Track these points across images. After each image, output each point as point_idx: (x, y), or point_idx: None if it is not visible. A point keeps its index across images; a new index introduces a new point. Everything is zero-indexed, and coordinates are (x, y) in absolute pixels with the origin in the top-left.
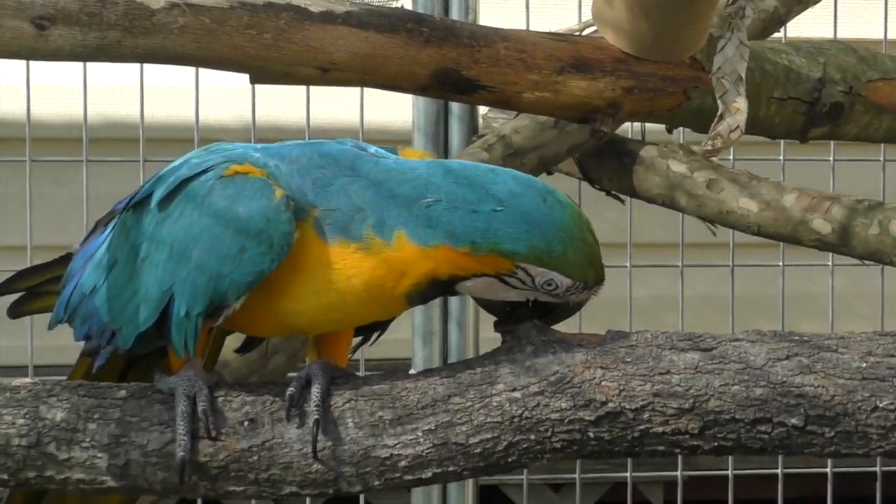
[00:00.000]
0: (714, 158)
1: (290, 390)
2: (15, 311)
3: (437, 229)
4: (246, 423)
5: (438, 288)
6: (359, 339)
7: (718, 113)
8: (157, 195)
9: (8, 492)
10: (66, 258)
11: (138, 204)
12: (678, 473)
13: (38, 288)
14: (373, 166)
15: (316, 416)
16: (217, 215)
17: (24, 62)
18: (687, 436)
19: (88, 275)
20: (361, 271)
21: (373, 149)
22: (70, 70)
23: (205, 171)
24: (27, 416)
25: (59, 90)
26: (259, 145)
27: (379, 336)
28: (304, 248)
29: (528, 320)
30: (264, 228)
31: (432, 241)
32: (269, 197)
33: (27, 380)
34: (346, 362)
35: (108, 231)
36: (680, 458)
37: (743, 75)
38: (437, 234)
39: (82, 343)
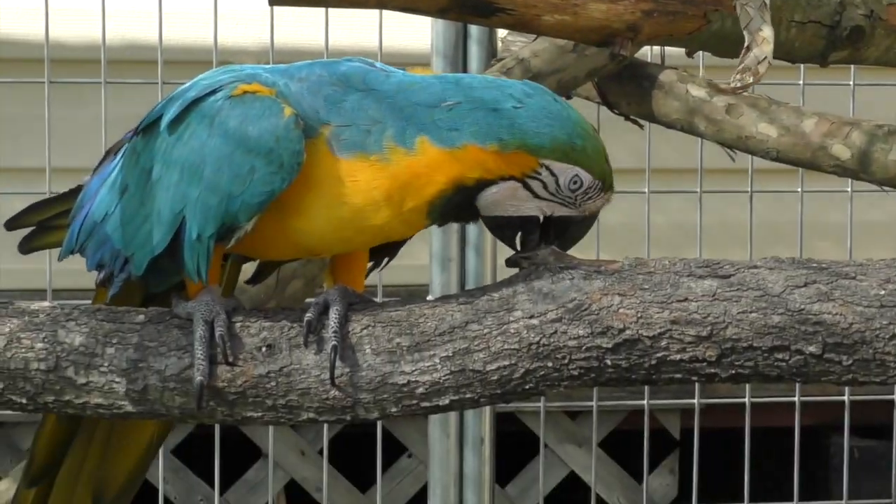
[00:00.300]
0: (745, 93)
1: (308, 316)
2: (26, 247)
3: (462, 130)
4: (263, 349)
5: (461, 199)
6: (370, 263)
7: (745, 44)
8: (167, 117)
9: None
10: (77, 191)
11: (148, 127)
12: (695, 401)
13: (49, 222)
14: (385, 79)
15: (333, 343)
16: (226, 135)
17: None
18: (704, 363)
19: (100, 201)
20: (382, 182)
21: (380, 65)
22: None
23: (214, 92)
24: (46, 340)
25: (78, 11)
26: (269, 66)
27: (388, 261)
28: (317, 166)
29: (541, 247)
30: (274, 147)
31: (458, 141)
32: (278, 115)
33: (45, 304)
34: (362, 287)
35: (118, 157)
36: (697, 385)
37: (767, 1)
38: (463, 135)
39: (95, 273)
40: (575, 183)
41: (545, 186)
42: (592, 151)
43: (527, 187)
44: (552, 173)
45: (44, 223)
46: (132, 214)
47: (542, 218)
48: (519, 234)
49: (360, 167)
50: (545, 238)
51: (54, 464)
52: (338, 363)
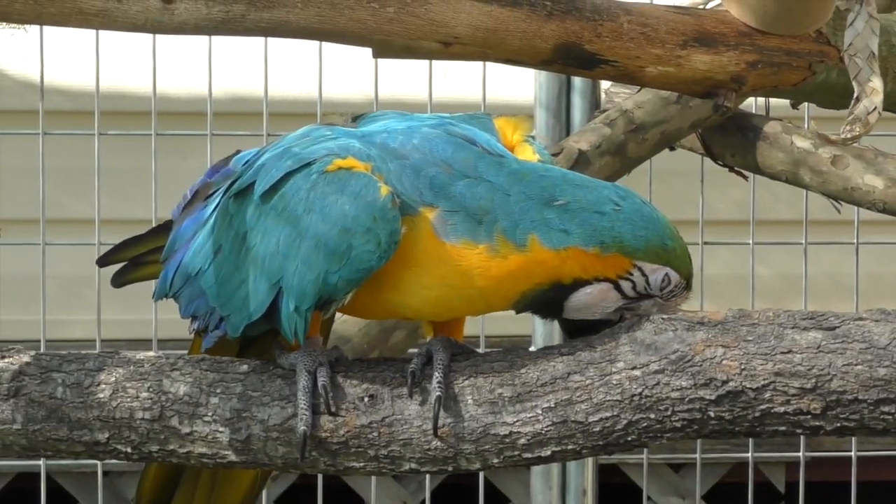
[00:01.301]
0: (855, 144)
1: (412, 367)
2: (118, 281)
3: (570, 233)
4: (366, 399)
5: (553, 296)
6: None
7: (854, 95)
8: (260, 187)
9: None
10: (166, 226)
11: (241, 192)
12: (800, 454)
13: (141, 258)
14: (496, 168)
15: (438, 393)
16: (322, 212)
17: (149, 36)
18: (809, 416)
19: (193, 256)
20: (487, 271)
21: (481, 140)
22: (196, 44)
23: (308, 164)
24: (151, 389)
25: (184, 66)
26: (358, 131)
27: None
28: (416, 245)
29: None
30: (371, 227)
31: (565, 244)
32: (375, 194)
33: (151, 353)
34: (462, 337)
35: (209, 211)
36: (802, 438)
37: (875, 51)
38: (570, 238)
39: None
40: (664, 282)
41: (634, 286)
42: (681, 251)
43: (618, 288)
44: (643, 274)
45: (136, 259)
46: (227, 276)
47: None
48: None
49: (466, 254)
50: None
51: None
52: (441, 413)
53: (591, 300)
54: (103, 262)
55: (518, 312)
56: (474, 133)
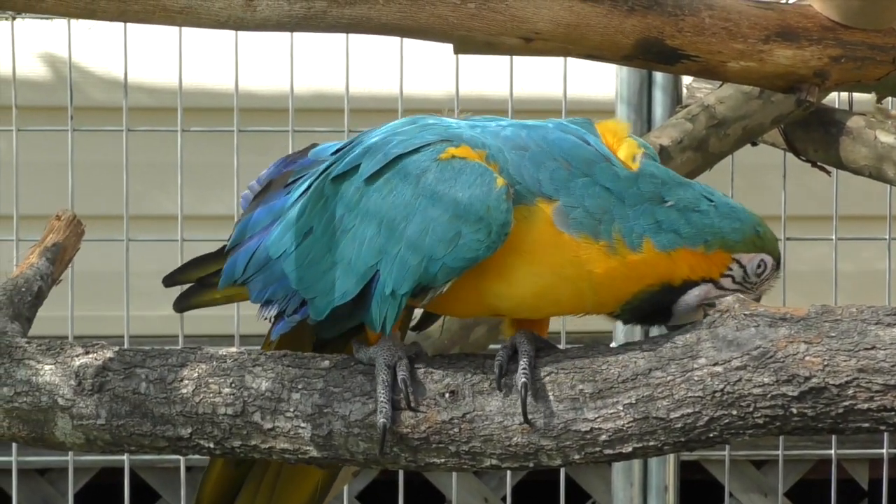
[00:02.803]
0: None
1: (499, 359)
2: (182, 304)
3: (679, 233)
4: (447, 395)
5: (661, 299)
6: None
7: None
8: (368, 169)
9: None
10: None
11: (343, 175)
12: (884, 451)
13: (210, 279)
14: (608, 169)
15: (524, 380)
16: (434, 198)
17: (232, 33)
18: (893, 413)
19: (277, 238)
20: (603, 267)
21: (592, 140)
22: (277, 41)
23: (419, 150)
24: (233, 385)
25: (266, 62)
26: (467, 122)
27: None
28: (532, 234)
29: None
30: (484, 216)
31: (675, 245)
32: (490, 185)
33: (233, 349)
34: (546, 333)
35: (294, 195)
36: (885, 435)
37: None
38: (679, 239)
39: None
40: (759, 268)
41: (733, 279)
42: (770, 234)
43: (718, 286)
44: (741, 265)
45: (204, 280)
46: (316, 259)
47: None
48: None
49: (585, 247)
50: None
51: None
52: (528, 400)
53: (697, 301)
54: (169, 282)
55: (624, 321)
56: (585, 134)
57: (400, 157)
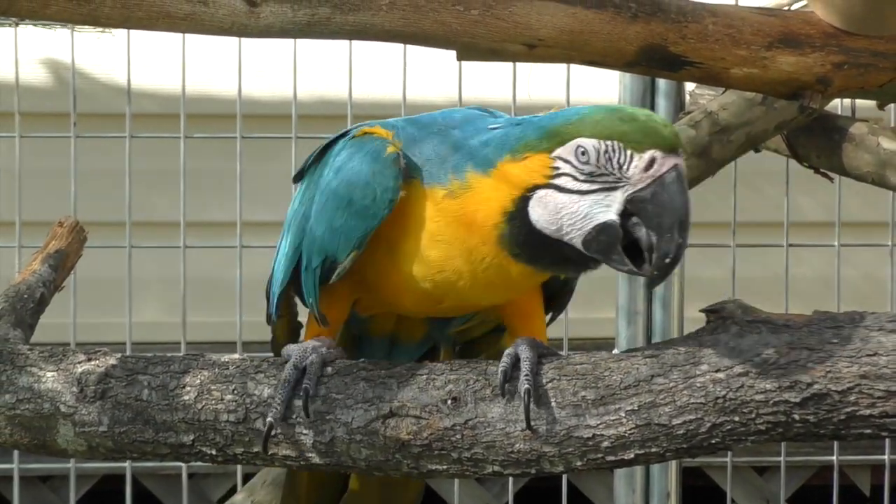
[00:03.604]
0: None
1: (503, 366)
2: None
3: (497, 153)
4: (449, 402)
5: (519, 226)
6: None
7: None
8: (308, 162)
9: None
10: None
11: (298, 175)
12: (886, 457)
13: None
14: (472, 125)
15: (526, 386)
16: (337, 171)
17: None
18: (894, 419)
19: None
20: (454, 211)
21: (497, 113)
22: (281, 47)
23: (343, 134)
24: (235, 391)
25: (268, 68)
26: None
27: (555, 316)
28: (414, 204)
29: (647, 256)
30: (369, 181)
31: (493, 164)
32: (379, 152)
33: (235, 356)
34: (546, 339)
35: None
36: (888, 441)
37: None
38: (497, 156)
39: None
40: (583, 155)
41: (570, 175)
42: (599, 115)
43: (558, 188)
44: (564, 160)
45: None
46: (280, 253)
47: (617, 219)
48: (618, 247)
49: (438, 203)
50: (644, 243)
51: None
52: (523, 415)
53: (544, 213)
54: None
55: (542, 269)
56: (494, 111)
57: (329, 143)
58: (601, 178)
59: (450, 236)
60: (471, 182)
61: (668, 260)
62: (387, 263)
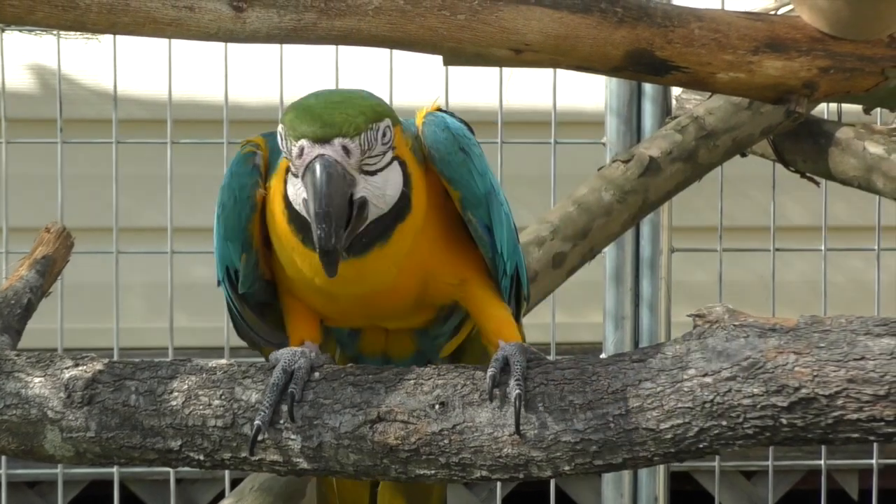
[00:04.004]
0: None
1: (492, 371)
2: None
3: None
4: (437, 407)
5: (287, 205)
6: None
7: None
8: None
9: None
10: None
11: None
12: (874, 461)
13: None
14: None
15: (518, 391)
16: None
17: (221, 45)
18: (882, 423)
19: None
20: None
21: None
22: (267, 53)
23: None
24: (223, 397)
25: (255, 73)
26: None
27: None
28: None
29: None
30: (229, 181)
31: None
32: (239, 154)
33: (223, 361)
34: (518, 338)
35: None
36: (875, 445)
37: None
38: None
39: None
40: (281, 141)
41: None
42: (296, 102)
43: (292, 172)
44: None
45: None
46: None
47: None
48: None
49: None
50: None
51: None
52: (511, 420)
53: (290, 193)
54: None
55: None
56: None
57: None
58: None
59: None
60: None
61: (318, 249)
62: (279, 269)
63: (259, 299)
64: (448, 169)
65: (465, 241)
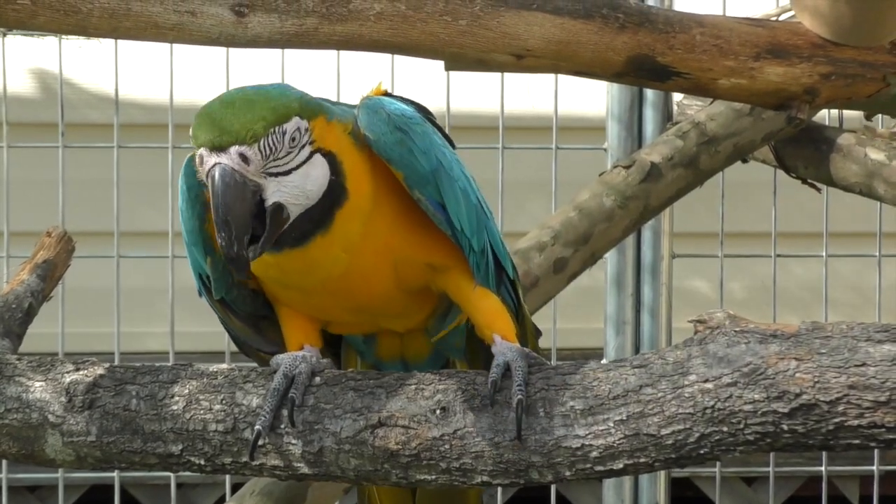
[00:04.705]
0: None
1: (493, 376)
2: None
3: None
4: (438, 412)
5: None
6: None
7: None
8: None
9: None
10: None
11: None
12: (874, 468)
13: None
14: None
15: (519, 397)
16: None
17: (223, 49)
18: (883, 429)
19: None
20: None
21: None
22: (269, 57)
23: None
24: (223, 401)
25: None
26: None
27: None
28: None
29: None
30: (180, 185)
31: None
32: (188, 157)
33: (224, 366)
34: (512, 333)
35: None
36: (876, 451)
37: None
38: None
39: None
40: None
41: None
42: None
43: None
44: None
45: None
46: None
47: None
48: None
49: None
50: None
51: None
52: (512, 425)
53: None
54: None
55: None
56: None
57: None
58: None
59: None
60: None
61: (224, 255)
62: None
63: (249, 310)
64: (385, 150)
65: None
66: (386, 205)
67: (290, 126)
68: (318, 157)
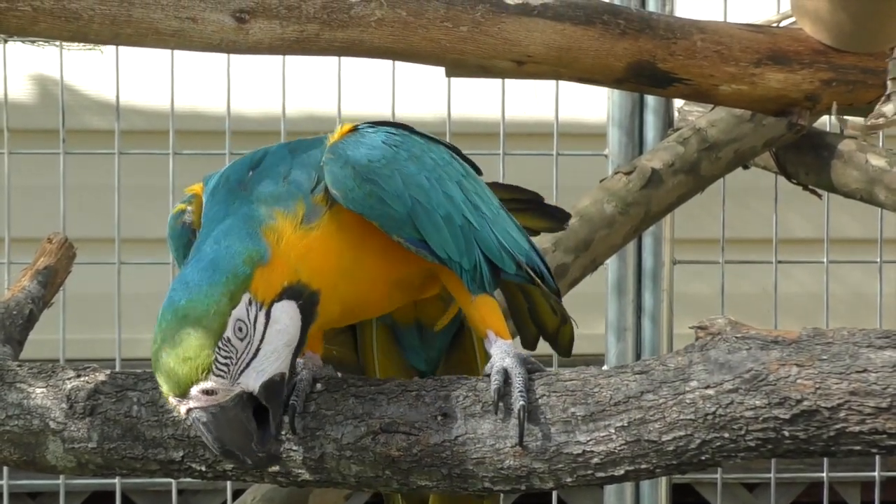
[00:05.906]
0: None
1: (495, 383)
2: None
3: None
4: (439, 418)
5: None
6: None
7: (886, 93)
8: None
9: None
10: None
11: None
12: (876, 473)
13: None
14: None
15: (521, 403)
16: None
17: (224, 56)
18: (885, 435)
19: None
20: None
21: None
22: (270, 64)
23: None
24: None
25: (257, 84)
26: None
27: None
28: None
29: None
30: (168, 236)
31: None
32: (172, 213)
33: None
34: (506, 333)
35: None
36: (878, 457)
37: None
38: None
39: None
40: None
41: None
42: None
43: None
44: None
45: None
46: None
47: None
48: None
49: None
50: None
51: None
52: (513, 431)
53: None
54: None
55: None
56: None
57: None
58: None
59: None
60: None
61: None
62: None
63: None
64: (355, 205)
65: None
66: (373, 238)
67: (230, 329)
68: (276, 308)
